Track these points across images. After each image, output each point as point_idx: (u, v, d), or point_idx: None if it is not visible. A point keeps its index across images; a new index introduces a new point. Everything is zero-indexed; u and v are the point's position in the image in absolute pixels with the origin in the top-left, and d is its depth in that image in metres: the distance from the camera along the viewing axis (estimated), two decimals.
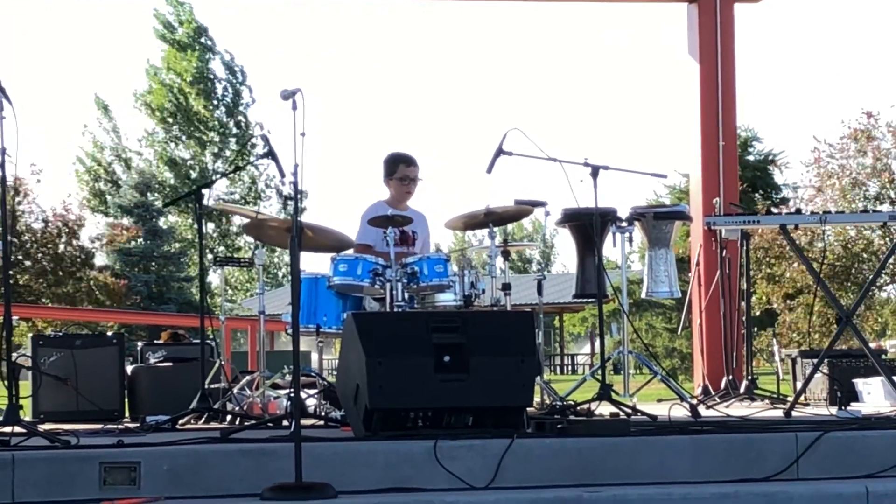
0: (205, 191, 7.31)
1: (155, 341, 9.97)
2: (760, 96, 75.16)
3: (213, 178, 43.75)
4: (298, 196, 5.70)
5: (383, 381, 5.69)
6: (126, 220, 41.81)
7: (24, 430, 5.76)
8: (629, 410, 6.97)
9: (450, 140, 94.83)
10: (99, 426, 6.96)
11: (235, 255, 30.55)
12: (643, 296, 9.28)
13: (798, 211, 10.75)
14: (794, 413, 7.31)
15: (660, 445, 5.64)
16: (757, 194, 27.89)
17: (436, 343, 5.81)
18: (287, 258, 43.26)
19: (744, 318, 9.37)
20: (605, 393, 7.04)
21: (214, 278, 41.85)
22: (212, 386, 7.56)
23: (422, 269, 7.44)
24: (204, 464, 5.30)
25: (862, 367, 8.64)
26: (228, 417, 7.24)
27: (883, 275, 23.36)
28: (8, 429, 5.80)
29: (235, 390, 7.56)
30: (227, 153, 47.76)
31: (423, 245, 8.30)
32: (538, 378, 7.51)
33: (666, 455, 5.58)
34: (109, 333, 9.57)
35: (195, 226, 35.50)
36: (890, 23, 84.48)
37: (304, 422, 5.54)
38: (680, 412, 7.05)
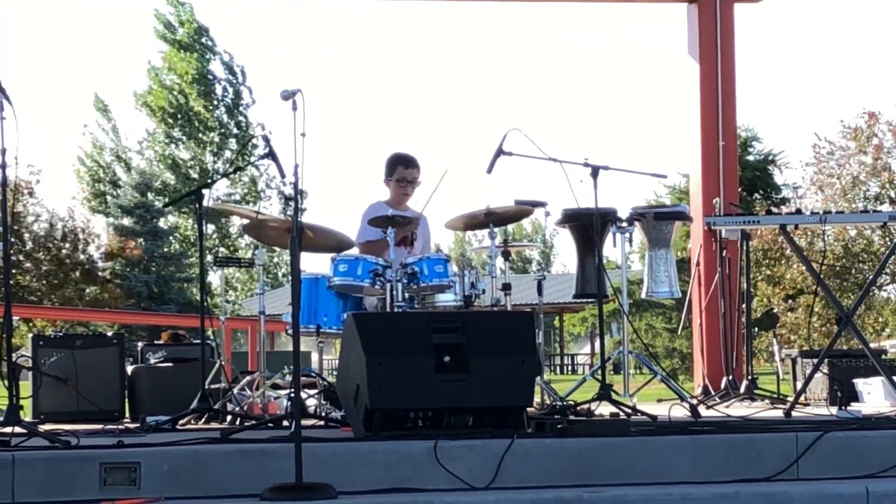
0: (205, 191, 7.32)
1: (155, 341, 9.96)
2: (760, 96, 75.28)
3: (214, 178, 43.69)
4: (298, 196, 5.69)
5: (383, 382, 5.69)
6: (127, 221, 41.77)
7: (24, 431, 5.75)
8: (629, 410, 6.96)
9: (450, 140, 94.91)
10: (99, 426, 6.96)
11: (235, 256, 30.58)
12: (643, 296, 9.28)
13: (798, 211, 10.73)
14: (794, 413, 7.31)
15: (660, 445, 5.64)
16: (757, 194, 27.87)
17: (436, 343, 5.81)
18: (287, 258, 43.21)
19: (744, 319, 9.37)
20: (605, 393, 7.04)
21: (215, 279, 41.83)
22: (212, 386, 7.56)
23: (422, 270, 7.44)
24: (204, 464, 5.30)
25: (862, 367, 8.64)
26: (229, 418, 7.24)
27: (883, 274, 23.35)
28: (8, 429, 5.80)
29: (236, 391, 7.56)
30: (227, 153, 47.73)
31: (424, 245, 8.30)
32: (538, 378, 7.51)
33: (666, 455, 5.58)
34: (110, 334, 9.56)
35: (196, 226, 35.47)
36: (890, 22, 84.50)
37: (304, 422, 5.53)
38: (680, 412, 7.05)
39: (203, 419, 7.20)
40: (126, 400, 8.50)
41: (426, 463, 5.35)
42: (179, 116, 47.87)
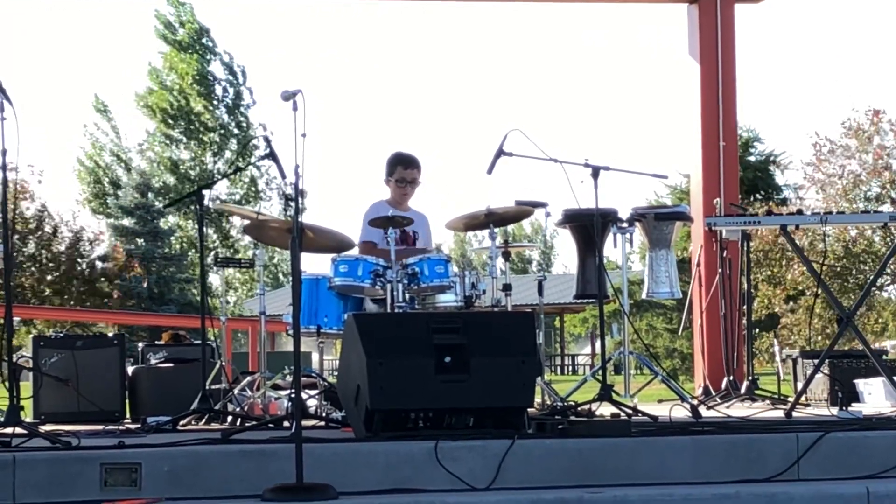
0: (205, 192, 7.32)
1: (156, 342, 9.97)
2: (761, 97, 75.29)
3: (214, 179, 43.70)
4: (299, 197, 5.69)
5: (384, 382, 5.69)
6: (127, 221, 41.77)
7: (25, 431, 5.76)
8: (630, 411, 6.96)
9: (450, 140, 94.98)
10: (100, 427, 6.97)
11: (236, 256, 30.53)
12: (644, 296, 9.28)
13: (799, 212, 10.73)
14: (794, 413, 7.31)
15: (661, 446, 5.64)
16: (757, 195, 27.87)
17: (436, 344, 5.81)
18: (288, 258, 43.20)
19: (744, 319, 9.37)
20: (605, 393, 7.03)
21: (215, 279, 41.83)
22: (213, 387, 7.56)
23: (422, 270, 7.44)
24: (205, 465, 5.30)
25: (863, 368, 8.64)
26: (229, 418, 7.24)
27: (884, 275, 23.33)
28: (9, 430, 5.79)
29: (236, 391, 7.56)
30: (228, 154, 47.73)
31: (425, 246, 8.30)
32: (539, 379, 7.51)
33: (667, 456, 5.58)
34: (110, 334, 9.55)
35: (196, 227, 35.40)
36: (890, 22, 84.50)
37: (304, 423, 5.53)
38: (681, 413, 7.05)
39: (204, 420, 7.21)
40: (127, 400, 8.51)
41: (427, 463, 5.35)
42: (180, 117, 47.88)
